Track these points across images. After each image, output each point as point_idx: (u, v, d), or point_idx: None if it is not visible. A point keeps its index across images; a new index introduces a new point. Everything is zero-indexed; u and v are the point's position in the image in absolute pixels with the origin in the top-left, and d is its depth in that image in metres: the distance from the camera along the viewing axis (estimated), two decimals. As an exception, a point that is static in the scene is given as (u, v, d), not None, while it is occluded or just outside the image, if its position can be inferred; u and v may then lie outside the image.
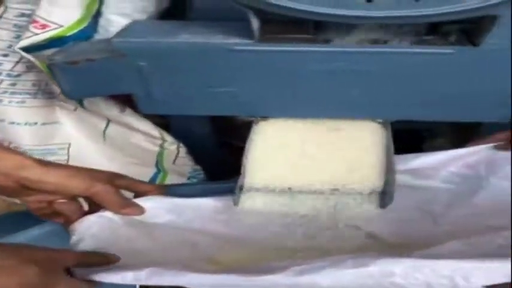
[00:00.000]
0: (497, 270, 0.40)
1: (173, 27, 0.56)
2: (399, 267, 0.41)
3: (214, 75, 0.58)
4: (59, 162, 0.73)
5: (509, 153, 0.61)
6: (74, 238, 0.53)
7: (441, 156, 0.63)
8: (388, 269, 0.41)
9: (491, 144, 0.63)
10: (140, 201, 0.59)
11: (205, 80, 0.59)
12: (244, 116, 0.66)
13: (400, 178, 0.62)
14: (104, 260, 0.48)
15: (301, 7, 0.46)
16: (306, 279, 0.42)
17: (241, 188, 0.62)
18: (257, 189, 0.63)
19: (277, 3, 0.46)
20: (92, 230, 0.53)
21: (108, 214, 0.56)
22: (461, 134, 0.77)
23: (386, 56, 0.52)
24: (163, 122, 0.81)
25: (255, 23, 0.50)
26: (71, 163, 0.75)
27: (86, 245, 0.52)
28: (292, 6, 0.46)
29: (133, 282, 0.44)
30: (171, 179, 0.81)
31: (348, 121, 0.65)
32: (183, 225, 0.59)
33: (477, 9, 0.44)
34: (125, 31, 0.56)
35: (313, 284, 0.42)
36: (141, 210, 0.56)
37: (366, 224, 0.58)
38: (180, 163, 0.82)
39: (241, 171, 0.63)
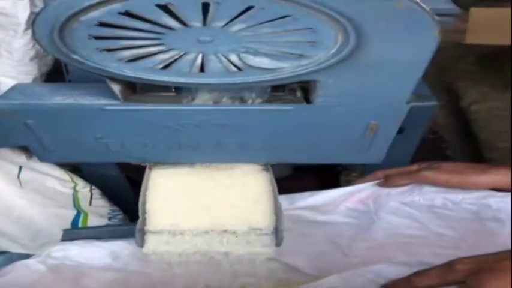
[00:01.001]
0: None
1: (51, 89, 0.62)
2: None
3: (94, 129, 0.64)
4: (-21, 206, 0.76)
5: (390, 189, 0.68)
6: None
7: (336, 193, 0.69)
8: None
9: (375, 182, 0.69)
10: (76, 245, 0.64)
11: (88, 133, 0.64)
12: (134, 162, 0.71)
13: (303, 214, 0.69)
14: None
15: (143, 76, 0.52)
16: None
17: (141, 231, 0.66)
18: (156, 232, 0.67)
19: (122, 73, 0.52)
20: (4, 278, 0.56)
21: (31, 262, 0.60)
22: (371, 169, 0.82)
23: (238, 111, 0.59)
24: (75, 166, 0.87)
25: (114, 87, 0.56)
26: (-9, 207, 0.79)
27: None
28: (134, 75, 0.52)
29: None
30: (92, 220, 0.83)
31: (234, 165, 0.71)
32: (120, 268, 0.64)
33: (291, 77, 0.50)
34: (9, 93, 0.62)
35: None
36: None
37: (284, 257, 0.64)
38: (97, 204, 0.87)
39: (139, 215, 0.67)
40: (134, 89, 0.62)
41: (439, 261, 0.46)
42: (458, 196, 0.62)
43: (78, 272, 0.59)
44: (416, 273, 0.45)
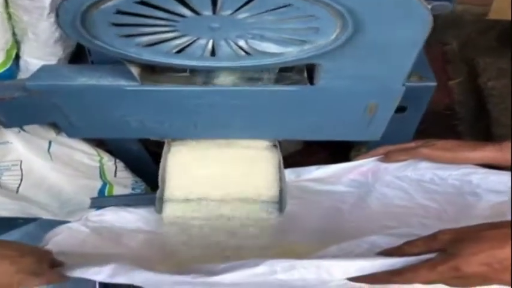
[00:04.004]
0: (350, 266, 0.48)
1: (75, 70, 0.66)
2: (279, 266, 0.49)
3: (116, 108, 0.69)
4: (14, 177, 0.83)
5: (388, 164, 0.72)
6: (41, 243, 0.61)
7: (340, 167, 0.75)
8: (272, 268, 0.49)
9: (376, 157, 0.73)
10: (110, 210, 0.70)
11: (110, 111, 0.70)
12: (153, 138, 0.76)
13: (310, 185, 0.74)
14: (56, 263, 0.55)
15: (160, 59, 0.57)
16: (212, 279, 0.50)
17: (160, 199, 0.73)
18: (174, 200, 0.74)
19: (140, 57, 0.56)
20: (57, 238, 0.62)
21: (74, 225, 0.66)
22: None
23: (248, 92, 0.63)
24: (101, 141, 0.92)
25: (133, 70, 0.61)
26: (24, 178, 0.84)
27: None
28: (152, 59, 0.57)
29: (98, 278, 0.51)
30: (117, 190, 0.88)
31: (245, 140, 0.76)
32: (150, 230, 0.71)
33: (294, 61, 0.54)
34: (37, 74, 0.67)
35: (218, 283, 0.50)
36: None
37: (294, 220, 0.70)
38: (121, 176, 0.92)
39: (159, 185, 0.73)
40: (152, 70, 0.66)
41: (424, 229, 0.51)
42: (446, 172, 0.67)
43: (115, 233, 0.67)
44: (406, 243, 0.49)
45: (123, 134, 0.76)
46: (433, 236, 0.47)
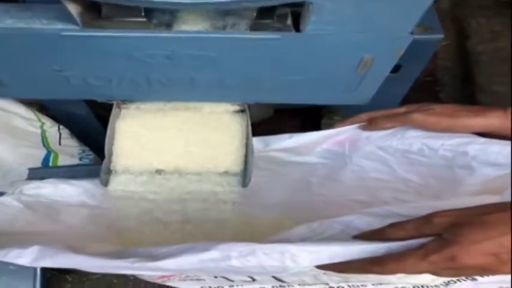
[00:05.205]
0: (321, 252, 0.42)
1: (-1, 10, 0.52)
2: (235, 251, 0.44)
3: (51, 60, 0.56)
4: None
5: (370, 133, 0.64)
6: None
7: (315, 136, 0.66)
8: (226, 254, 0.44)
9: (356, 125, 0.64)
10: (48, 183, 0.63)
11: (45, 64, 0.57)
12: (99, 100, 0.63)
13: (279, 155, 0.67)
14: None
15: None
16: (152, 265, 0.45)
17: (107, 170, 0.63)
18: (122, 172, 0.65)
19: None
20: None
21: (5, 199, 0.60)
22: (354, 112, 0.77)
23: (215, 40, 0.51)
24: (42, 105, 0.81)
25: (72, 9, 0.48)
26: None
27: None
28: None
29: (20, 262, 0.46)
30: (63, 160, 0.81)
31: (208, 104, 0.66)
32: (94, 205, 0.63)
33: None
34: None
35: (161, 268, 0.45)
36: None
37: (255, 194, 0.63)
38: (67, 144, 0.83)
39: (105, 154, 0.63)
40: (99, 14, 0.53)
41: (399, 205, 0.47)
42: (437, 142, 0.59)
43: (52, 209, 0.61)
44: (391, 225, 0.43)
45: (62, 95, 0.64)
46: (427, 219, 0.41)
